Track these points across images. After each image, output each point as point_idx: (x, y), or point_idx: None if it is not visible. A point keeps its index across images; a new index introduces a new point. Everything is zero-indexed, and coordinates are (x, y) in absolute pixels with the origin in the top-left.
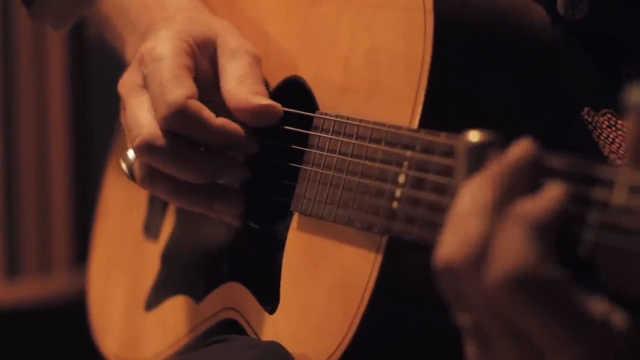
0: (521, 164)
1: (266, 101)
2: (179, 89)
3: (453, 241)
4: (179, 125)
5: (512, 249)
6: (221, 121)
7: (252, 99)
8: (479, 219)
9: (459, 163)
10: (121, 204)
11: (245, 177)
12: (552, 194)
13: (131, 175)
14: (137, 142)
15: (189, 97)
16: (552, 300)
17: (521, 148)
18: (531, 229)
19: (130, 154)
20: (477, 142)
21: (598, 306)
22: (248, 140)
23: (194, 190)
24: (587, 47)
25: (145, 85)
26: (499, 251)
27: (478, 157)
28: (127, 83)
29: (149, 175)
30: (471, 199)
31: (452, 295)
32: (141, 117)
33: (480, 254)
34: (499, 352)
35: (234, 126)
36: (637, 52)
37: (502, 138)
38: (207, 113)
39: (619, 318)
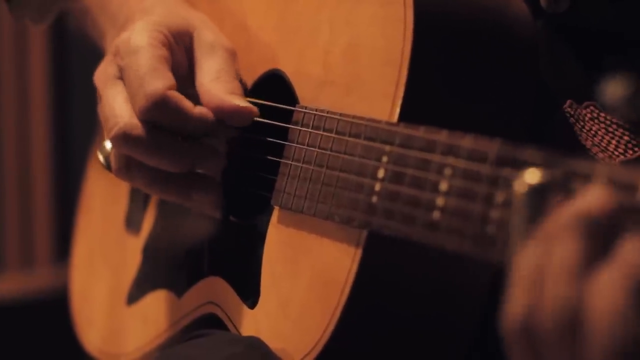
0: (605, 214)
1: (241, 102)
2: (158, 80)
3: (527, 302)
4: (158, 116)
5: (618, 319)
6: (200, 110)
7: (227, 98)
8: (570, 280)
9: (516, 209)
10: (103, 198)
11: (224, 166)
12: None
13: (108, 166)
14: (113, 132)
15: (168, 88)
16: None
17: (601, 194)
18: (635, 293)
19: (107, 144)
20: (538, 185)
21: None
22: (226, 126)
23: (171, 180)
24: (570, 40)
25: (122, 76)
26: (600, 322)
27: (541, 202)
28: (103, 74)
29: (126, 166)
30: (551, 256)
31: (522, 358)
32: (117, 107)
33: (574, 321)
34: None
35: (211, 115)
36: (620, 44)
37: (564, 177)
38: (186, 103)
39: None
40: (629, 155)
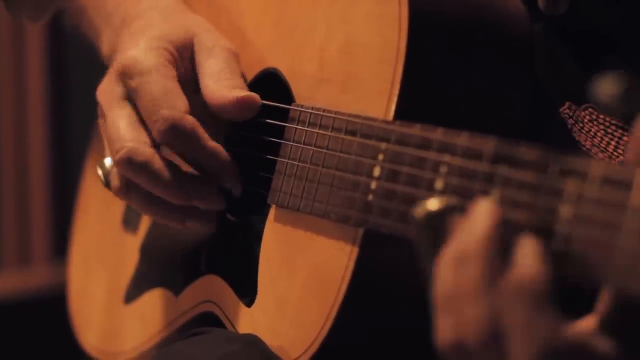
0: (493, 231)
1: (243, 93)
2: (174, 103)
3: (450, 325)
4: (174, 139)
5: (528, 328)
6: (215, 145)
7: (229, 93)
8: (479, 299)
9: (419, 234)
10: (100, 197)
11: (221, 207)
12: (530, 255)
13: (107, 184)
14: (119, 155)
15: (185, 112)
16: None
17: (486, 214)
18: (537, 297)
19: (107, 161)
20: (437, 211)
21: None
22: (234, 178)
23: (168, 207)
24: (568, 42)
25: (130, 98)
26: (513, 332)
27: (441, 226)
28: (108, 94)
29: (125, 187)
30: (458, 279)
31: None
32: (123, 130)
33: (495, 333)
34: None
35: (225, 154)
36: (618, 46)
37: (460, 202)
38: (202, 131)
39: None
40: None
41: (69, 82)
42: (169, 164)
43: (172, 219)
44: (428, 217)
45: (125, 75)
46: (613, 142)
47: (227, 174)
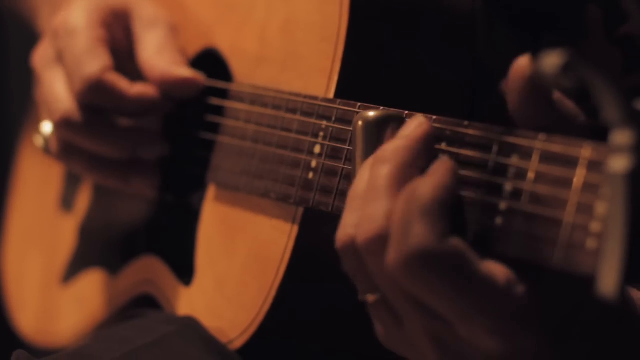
0: (417, 141)
1: (188, 72)
2: (94, 62)
3: (353, 221)
4: (95, 98)
5: (409, 230)
6: (137, 90)
7: (174, 70)
8: (378, 199)
9: (355, 141)
10: (37, 178)
11: (165, 151)
12: (441, 169)
13: (46, 149)
14: (56, 117)
15: (105, 70)
16: (451, 276)
17: (416, 124)
18: (424, 207)
19: (45, 127)
20: (373, 119)
21: (500, 275)
22: (163, 103)
23: (110, 165)
24: (508, 19)
25: (61, 59)
26: (397, 232)
27: (375, 135)
28: (42, 57)
29: (66, 150)
30: (369, 178)
31: (356, 275)
32: (58, 92)
33: (381, 234)
34: (407, 327)
35: (149, 92)
36: (557, 23)
37: (400, 114)
38: (123, 84)
39: (520, 286)
40: None
41: (6, 64)
42: (107, 119)
43: (116, 178)
44: (366, 122)
45: (56, 36)
46: None
47: (157, 107)
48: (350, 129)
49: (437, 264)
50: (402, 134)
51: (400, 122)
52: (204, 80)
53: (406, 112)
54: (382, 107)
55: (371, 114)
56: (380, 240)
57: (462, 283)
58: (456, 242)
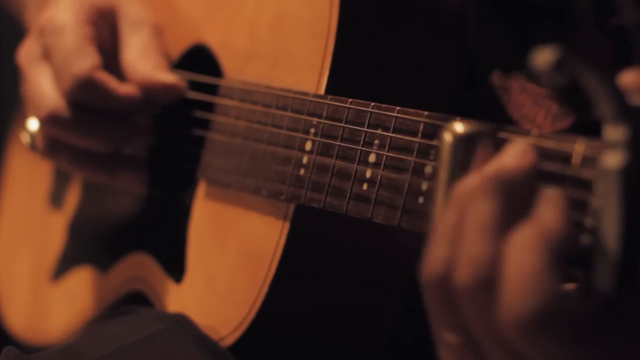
0: (525, 174)
1: (170, 78)
2: (84, 60)
3: (445, 256)
4: (85, 96)
5: (530, 281)
6: (126, 89)
7: (153, 74)
8: (484, 240)
9: (441, 158)
10: (26, 176)
11: (152, 143)
12: (555, 207)
13: (32, 146)
14: (42, 113)
15: (94, 68)
16: (577, 338)
17: (520, 152)
18: (549, 255)
19: (31, 124)
20: (465, 135)
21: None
22: (153, 104)
23: (98, 160)
24: (498, 11)
25: (47, 56)
26: (514, 282)
27: (464, 152)
28: (27, 54)
29: (52, 146)
30: (472, 212)
31: (439, 312)
32: (44, 88)
33: (487, 281)
34: None
35: (138, 92)
36: (547, 15)
37: (491, 129)
38: (112, 83)
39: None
40: (557, 126)
41: None
42: (93, 114)
43: (102, 173)
44: (456, 140)
45: (42, 34)
46: (542, 112)
47: (146, 106)
48: (342, 124)
49: (562, 327)
50: (506, 162)
51: (491, 138)
52: (190, 76)
53: (495, 124)
54: (471, 120)
55: (461, 128)
56: (485, 289)
57: (585, 342)
58: (585, 303)
